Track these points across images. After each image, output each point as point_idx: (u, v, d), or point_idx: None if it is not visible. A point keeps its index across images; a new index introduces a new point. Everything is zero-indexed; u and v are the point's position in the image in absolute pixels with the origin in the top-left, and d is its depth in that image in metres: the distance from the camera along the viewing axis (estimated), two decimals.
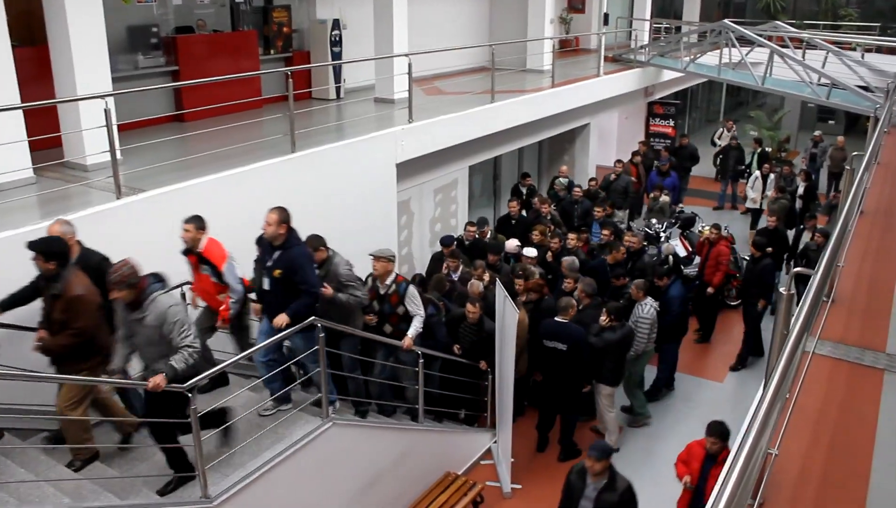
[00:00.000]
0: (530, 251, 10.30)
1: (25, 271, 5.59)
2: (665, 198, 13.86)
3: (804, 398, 3.72)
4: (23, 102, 7.20)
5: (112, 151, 6.92)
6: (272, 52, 12.30)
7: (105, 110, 6.81)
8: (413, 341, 7.34)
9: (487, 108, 11.92)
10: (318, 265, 6.73)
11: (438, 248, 12.13)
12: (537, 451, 8.97)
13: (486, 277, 9.20)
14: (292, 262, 6.18)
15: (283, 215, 6.22)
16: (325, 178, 9.01)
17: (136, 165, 7.83)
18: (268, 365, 6.47)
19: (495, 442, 8.94)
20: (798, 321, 2.98)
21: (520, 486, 8.43)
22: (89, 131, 7.56)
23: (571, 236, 10.83)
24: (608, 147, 18.71)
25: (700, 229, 13.21)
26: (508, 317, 7.84)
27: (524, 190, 13.64)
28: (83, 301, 5.42)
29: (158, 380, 5.08)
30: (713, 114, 27.66)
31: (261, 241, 6.47)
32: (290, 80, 8.64)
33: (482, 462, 8.88)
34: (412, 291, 7.43)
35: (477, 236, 11.11)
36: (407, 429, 7.60)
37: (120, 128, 8.50)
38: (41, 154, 7.81)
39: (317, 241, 6.84)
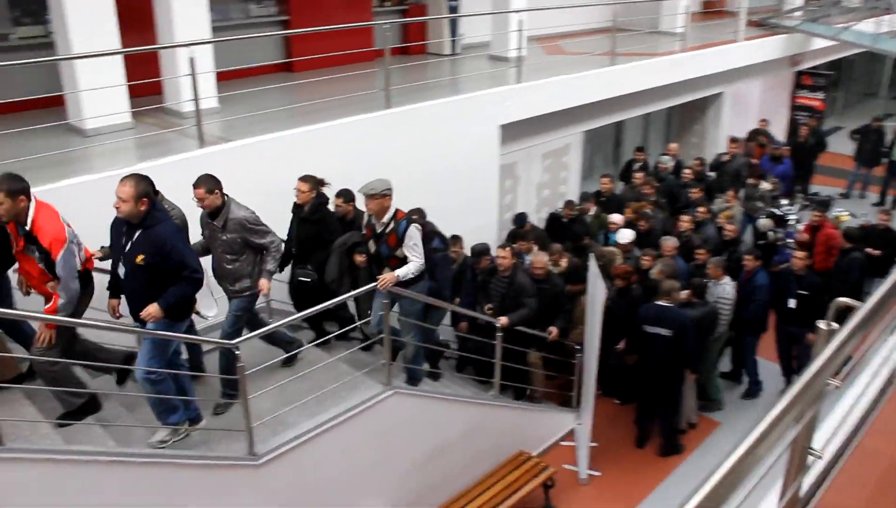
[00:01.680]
0: (624, 236, 9.53)
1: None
2: (766, 186, 12.30)
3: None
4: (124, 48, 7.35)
5: (196, 99, 6.91)
6: (387, 3, 12.07)
7: (190, 59, 6.78)
8: (397, 278, 6.08)
9: (605, 70, 11.22)
10: (210, 214, 5.75)
11: (545, 214, 11.76)
12: (637, 447, 8.43)
13: (564, 262, 8.63)
14: (160, 243, 4.84)
15: (141, 188, 4.79)
16: (422, 136, 8.74)
17: (233, 113, 7.88)
18: (149, 381, 5.10)
19: (579, 424, 8.51)
20: None
21: (598, 473, 8.00)
22: (187, 79, 7.60)
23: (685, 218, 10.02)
24: (745, 119, 17.39)
25: (836, 214, 12.00)
26: (598, 295, 7.37)
27: (638, 165, 12.80)
28: None
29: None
30: (874, 87, 25.21)
31: (115, 221, 5.10)
32: (387, 33, 8.37)
33: (562, 444, 8.49)
34: (412, 232, 6.16)
35: (577, 212, 10.59)
36: (476, 403, 7.31)
37: (228, 76, 8.62)
38: (143, 100, 7.95)
39: (211, 183, 5.66)
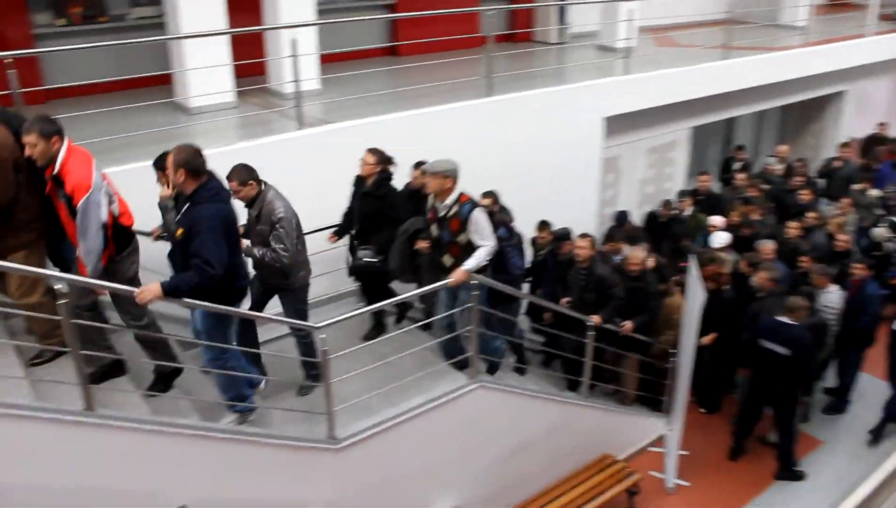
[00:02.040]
0: (719, 239, 8.97)
1: None
2: (875, 192, 11.32)
3: None
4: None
5: (296, 81, 6.95)
6: None
7: (292, 41, 6.81)
8: (469, 274, 5.72)
9: (717, 64, 10.72)
10: (247, 204, 5.56)
11: (647, 209, 11.37)
12: (730, 459, 8.02)
13: (651, 262, 8.23)
14: (193, 222, 4.62)
15: (181, 157, 4.63)
16: (523, 125, 8.55)
17: (336, 95, 7.91)
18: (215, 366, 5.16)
19: (670, 431, 8.17)
20: None
21: (687, 483, 7.66)
22: (290, 61, 7.66)
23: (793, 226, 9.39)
24: (869, 120, 16.32)
25: None
26: (696, 299, 7.03)
27: (738, 165, 12.17)
28: None
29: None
30: None
31: None
32: (493, 20, 8.22)
33: (651, 449, 8.17)
34: (477, 216, 5.72)
35: (675, 211, 10.16)
36: (563, 402, 7.09)
37: (334, 58, 8.70)
38: (249, 81, 8.08)
39: (244, 173, 5.45)
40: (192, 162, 4.61)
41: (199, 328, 5.04)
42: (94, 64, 7.86)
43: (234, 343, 5.30)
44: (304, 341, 6.00)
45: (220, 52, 7.45)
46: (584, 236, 7.33)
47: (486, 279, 5.95)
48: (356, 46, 9.26)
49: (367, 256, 6.54)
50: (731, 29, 10.86)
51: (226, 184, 5.04)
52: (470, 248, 5.79)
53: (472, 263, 5.72)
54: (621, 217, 9.82)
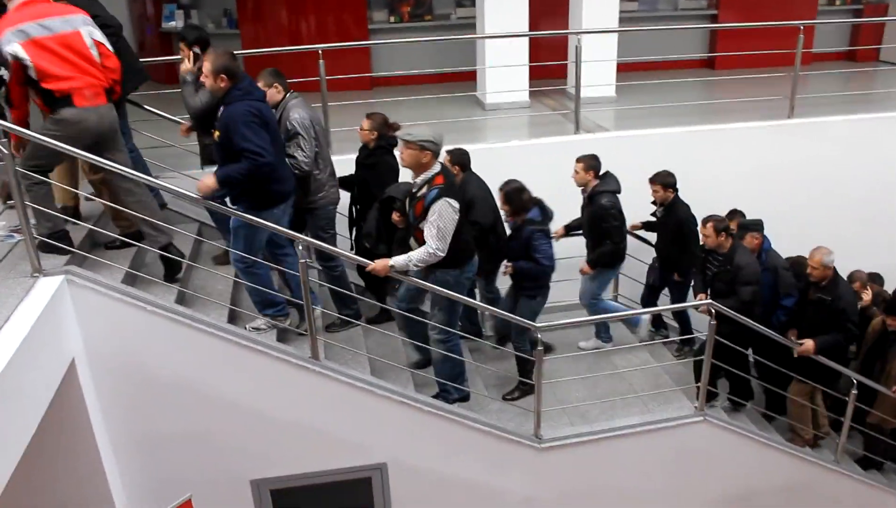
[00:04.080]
0: None
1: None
2: None
3: None
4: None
5: (577, 87, 7.08)
6: (838, 1, 10.80)
7: (576, 47, 6.95)
8: (388, 269, 4.92)
9: None
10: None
11: None
12: None
13: (867, 296, 6.67)
14: (228, 121, 4.64)
15: (219, 63, 4.64)
16: (826, 155, 7.74)
17: (633, 104, 7.92)
18: (241, 269, 5.05)
19: None
20: None
21: None
22: (589, 65, 7.81)
23: None
24: None
25: None
26: None
27: None
28: None
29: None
30: None
31: None
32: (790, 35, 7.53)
33: None
34: (440, 207, 4.81)
35: None
36: (807, 460, 6.35)
37: (644, 67, 8.70)
38: (547, 82, 8.39)
39: (269, 76, 5.41)
40: (230, 67, 4.68)
41: (232, 225, 5.02)
42: (415, 57, 8.75)
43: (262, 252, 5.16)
44: (333, 272, 5.83)
45: (519, 53, 7.84)
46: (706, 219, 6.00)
47: (424, 284, 5.16)
48: (669, 56, 9.11)
49: (367, 239, 5.83)
50: None
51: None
52: None
53: (401, 260, 4.95)
54: None
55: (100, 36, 4.74)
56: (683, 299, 6.71)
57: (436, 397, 5.54)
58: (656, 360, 6.63)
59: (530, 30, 8.08)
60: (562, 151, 6.65)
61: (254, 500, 5.27)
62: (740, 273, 5.82)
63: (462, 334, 5.68)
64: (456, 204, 4.88)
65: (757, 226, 6.30)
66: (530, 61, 8.02)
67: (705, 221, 5.90)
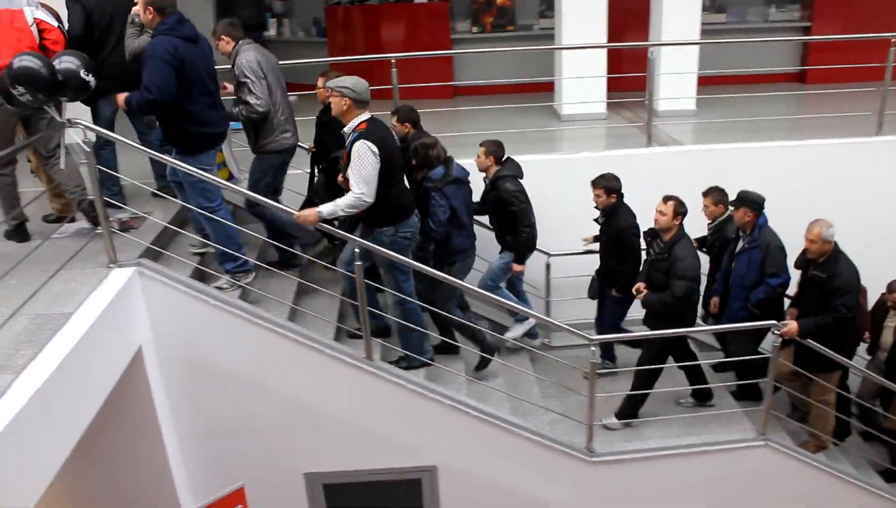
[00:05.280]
0: None
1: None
2: None
3: None
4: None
5: (650, 99, 7.00)
6: None
7: (649, 59, 6.87)
8: (317, 218, 4.88)
9: None
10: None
11: None
12: None
13: None
14: (147, 52, 4.76)
15: None
16: None
17: (711, 117, 7.77)
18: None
19: None
20: None
21: None
22: (668, 78, 7.72)
23: None
24: None
25: None
26: None
27: None
28: None
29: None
30: None
31: None
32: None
33: None
34: (359, 147, 4.74)
35: None
36: (883, 496, 6.05)
37: (731, 80, 8.55)
38: (626, 94, 8.30)
39: (221, 28, 5.47)
40: (157, 1, 4.78)
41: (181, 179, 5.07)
42: (496, 67, 8.83)
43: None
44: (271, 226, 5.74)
45: (596, 65, 7.81)
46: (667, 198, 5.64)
47: (365, 243, 5.02)
48: (756, 69, 8.90)
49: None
50: None
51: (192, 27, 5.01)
52: None
53: (327, 208, 4.87)
54: None
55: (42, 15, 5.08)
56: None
57: (395, 363, 5.47)
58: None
59: (610, 41, 8.02)
60: (632, 165, 6.59)
61: (307, 493, 5.47)
62: (677, 265, 5.46)
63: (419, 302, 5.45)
64: (374, 147, 4.75)
65: (753, 203, 5.69)
66: (610, 72, 7.97)
67: (666, 198, 5.54)
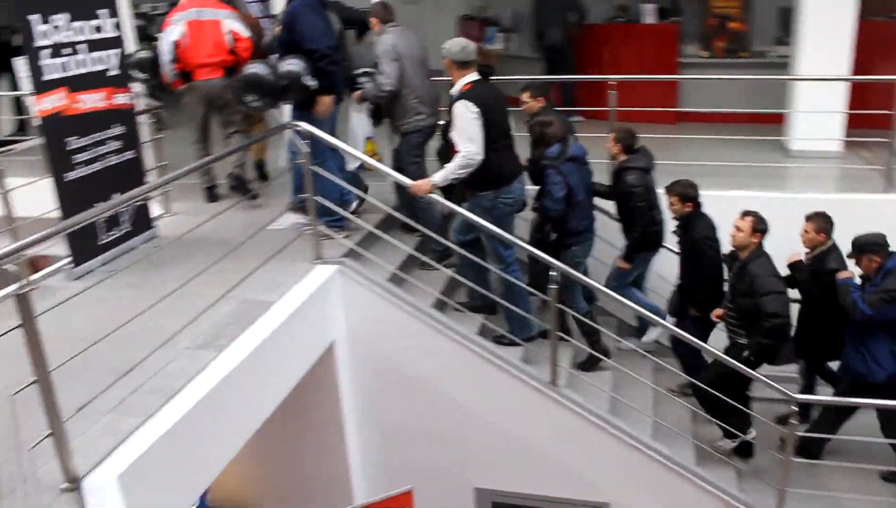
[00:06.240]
0: None
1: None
2: None
3: None
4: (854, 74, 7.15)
5: (892, 138, 6.30)
6: None
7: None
8: (432, 186, 4.92)
9: None
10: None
11: None
12: None
13: None
14: (289, 18, 5.14)
15: None
16: None
17: None
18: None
19: None
20: None
21: None
22: None
23: None
24: None
25: None
26: None
27: None
28: None
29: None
30: None
31: None
32: None
33: None
34: (458, 108, 4.74)
35: None
36: None
37: None
38: (867, 132, 7.55)
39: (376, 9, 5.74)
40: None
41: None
42: (724, 95, 8.36)
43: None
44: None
45: (834, 98, 7.16)
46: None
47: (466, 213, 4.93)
48: None
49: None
50: None
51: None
52: None
53: (439, 175, 4.89)
54: None
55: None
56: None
57: (497, 340, 5.29)
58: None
59: (857, 72, 7.31)
60: (862, 211, 5.99)
61: (475, 507, 5.47)
62: (756, 283, 4.91)
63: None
64: (474, 107, 4.70)
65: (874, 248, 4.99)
66: (851, 107, 7.27)
67: (745, 213, 5.08)
